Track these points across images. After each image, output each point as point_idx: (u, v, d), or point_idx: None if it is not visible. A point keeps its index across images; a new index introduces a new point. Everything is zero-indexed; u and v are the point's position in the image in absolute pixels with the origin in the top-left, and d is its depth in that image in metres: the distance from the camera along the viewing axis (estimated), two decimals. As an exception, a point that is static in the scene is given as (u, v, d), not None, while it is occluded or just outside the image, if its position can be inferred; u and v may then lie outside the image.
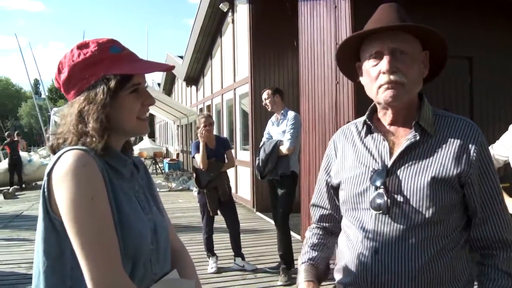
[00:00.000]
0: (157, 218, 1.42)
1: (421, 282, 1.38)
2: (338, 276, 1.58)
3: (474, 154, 1.41)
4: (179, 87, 23.26)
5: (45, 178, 1.22)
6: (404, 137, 1.48)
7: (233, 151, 11.05)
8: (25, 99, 69.90)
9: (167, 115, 20.53)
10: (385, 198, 1.41)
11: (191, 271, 1.54)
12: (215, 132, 13.19)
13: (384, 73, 1.41)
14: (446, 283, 1.42)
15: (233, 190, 10.84)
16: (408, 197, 1.40)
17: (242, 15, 10.48)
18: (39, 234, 1.25)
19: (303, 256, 1.67)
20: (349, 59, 1.57)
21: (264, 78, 9.42)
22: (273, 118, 5.65)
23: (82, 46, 1.33)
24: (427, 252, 1.39)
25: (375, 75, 1.45)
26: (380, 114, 1.55)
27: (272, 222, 6.24)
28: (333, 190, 1.65)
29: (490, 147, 2.75)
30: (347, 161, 1.57)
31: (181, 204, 11.04)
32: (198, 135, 5.55)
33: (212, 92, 14.51)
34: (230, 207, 5.72)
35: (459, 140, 1.43)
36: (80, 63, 1.30)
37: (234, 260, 5.66)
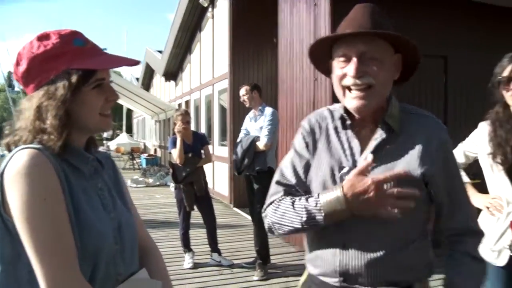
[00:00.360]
0: (123, 216, 1.37)
1: (388, 271, 1.43)
2: (309, 266, 1.60)
3: (438, 151, 1.46)
4: (157, 82, 23.14)
5: None
6: (373, 135, 1.50)
7: (211, 146, 11.04)
8: (-2, 92, 68.61)
9: (145, 110, 20.41)
10: None
11: (161, 269, 1.49)
12: (193, 127, 13.19)
13: (350, 76, 1.43)
14: (412, 272, 1.46)
15: (210, 186, 10.84)
16: None
17: (222, 10, 10.46)
18: None
19: (305, 200, 1.48)
20: (324, 56, 1.57)
21: (243, 74, 9.42)
22: (251, 114, 5.67)
23: (43, 37, 1.26)
24: (393, 244, 1.43)
25: (340, 75, 1.46)
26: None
27: (249, 217, 6.27)
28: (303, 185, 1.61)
29: (460, 144, 2.82)
30: (321, 157, 1.56)
31: (158, 200, 10.98)
32: (176, 130, 5.54)
33: (190, 88, 14.46)
34: (206, 203, 5.73)
35: (423, 138, 1.46)
36: (40, 56, 1.23)
37: (211, 256, 5.68)
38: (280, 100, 6.69)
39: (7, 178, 1.14)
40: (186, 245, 5.68)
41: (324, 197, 1.41)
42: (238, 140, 5.58)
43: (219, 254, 5.67)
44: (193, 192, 5.59)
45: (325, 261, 1.50)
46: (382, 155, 1.46)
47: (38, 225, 1.12)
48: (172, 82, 18.02)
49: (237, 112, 9.21)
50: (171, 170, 5.73)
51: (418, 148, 1.45)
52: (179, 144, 5.49)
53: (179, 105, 16.80)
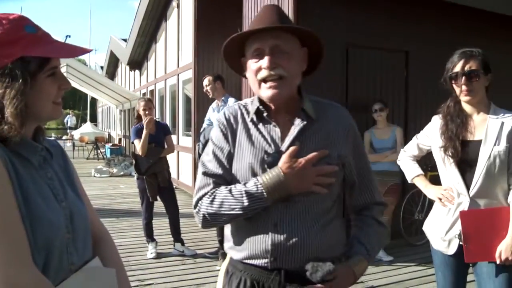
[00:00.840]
0: (74, 205, 1.35)
1: (314, 249, 1.55)
2: (232, 252, 1.67)
3: (348, 135, 1.65)
4: (122, 71, 22.78)
5: None
6: (292, 124, 1.61)
7: (175, 136, 11.01)
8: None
9: (110, 99, 20.09)
10: None
11: (114, 257, 1.49)
12: (158, 117, 13.03)
13: (264, 68, 1.54)
14: (332, 248, 1.60)
15: (175, 176, 10.82)
16: None
17: (187, 0, 10.38)
18: None
19: (243, 186, 1.56)
20: (236, 54, 1.68)
21: (208, 65, 9.38)
22: (214, 104, 5.69)
23: None
24: (318, 223, 1.57)
25: (255, 69, 1.57)
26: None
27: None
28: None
29: (415, 137, 2.91)
30: (243, 147, 1.63)
31: (122, 190, 10.92)
32: (144, 123, 5.44)
33: (155, 77, 14.31)
34: (169, 193, 5.73)
35: (336, 124, 1.64)
36: None
37: (174, 246, 5.71)
38: (244, 90, 6.72)
39: None
40: (149, 235, 5.68)
41: (265, 179, 1.52)
42: (201, 130, 5.59)
43: (182, 244, 5.71)
44: (157, 183, 5.57)
45: (254, 243, 1.58)
46: (303, 139, 1.58)
47: None
48: (137, 71, 17.79)
49: (201, 102, 9.17)
50: (134, 161, 5.68)
51: (333, 133, 1.62)
52: (145, 135, 5.42)
53: (143, 94, 16.61)
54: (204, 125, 5.64)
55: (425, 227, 2.78)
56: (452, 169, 2.50)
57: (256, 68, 1.57)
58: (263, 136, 1.63)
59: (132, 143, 5.81)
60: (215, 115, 5.59)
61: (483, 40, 5.23)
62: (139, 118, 5.66)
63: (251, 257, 1.60)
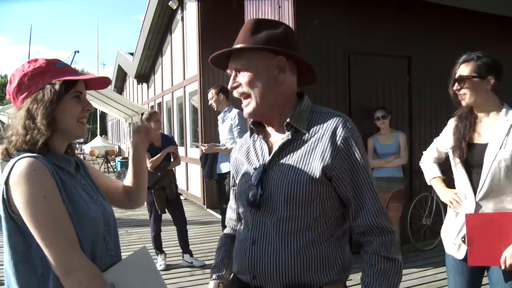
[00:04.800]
0: (104, 204, 1.66)
1: (293, 270, 1.48)
2: (234, 264, 1.72)
3: (340, 147, 1.49)
4: (130, 85, 22.94)
5: (3, 186, 1.42)
6: (280, 137, 1.61)
7: (183, 148, 11.07)
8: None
9: (119, 113, 20.21)
10: (257, 194, 1.54)
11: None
12: (165, 129, 13.04)
13: (231, 89, 1.62)
14: (319, 271, 1.50)
15: (184, 187, 10.87)
16: (275, 193, 1.53)
17: (191, 13, 10.47)
18: (4, 234, 1.45)
19: None
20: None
21: (213, 76, 9.46)
22: (220, 115, 5.74)
23: (33, 60, 1.57)
24: (297, 243, 1.49)
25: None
26: None
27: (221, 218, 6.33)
28: None
29: (434, 139, 2.90)
30: (243, 162, 1.72)
31: (132, 203, 10.91)
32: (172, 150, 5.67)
33: (162, 90, 14.41)
34: (177, 206, 5.78)
35: (326, 135, 1.51)
36: (29, 73, 1.53)
37: (182, 257, 5.74)
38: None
39: (11, 184, 1.40)
40: (158, 247, 5.72)
41: None
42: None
43: (191, 255, 5.74)
44: (164, 196, 5.62)
45: (240, 258, 1.61)
46: (285, 153, 1.56)
47: (41, 219, 1.39)
48: (145, 84, 17.93)
49: (208, 113, 9.26)
50: None
51: (320, 145, 1.51)
52: (160, 155, 5.53)
53: (151, 107, 16.72)
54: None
55: (441, 231, 2.76)
56: (460, 172, 2.50)
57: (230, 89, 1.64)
58: (255, 150, 1.67)
59: None
60: (221, 126, 5.64)
61: (488, 42, 5.24)
62: None
63: (239, 272, 1.64)
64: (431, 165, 2.93)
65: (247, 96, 1.59)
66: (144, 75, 17.01)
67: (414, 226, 5.94)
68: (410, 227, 5.87)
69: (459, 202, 2.52)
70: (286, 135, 1.57)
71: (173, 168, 5.84)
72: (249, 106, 1.59)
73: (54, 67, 1.55)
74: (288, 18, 5.58)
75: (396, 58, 6.18)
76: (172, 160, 5.78)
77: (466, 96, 2.45)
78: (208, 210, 9.42)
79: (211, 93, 5.58)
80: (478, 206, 2.42)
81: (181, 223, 5.76)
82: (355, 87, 5.86)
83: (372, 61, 5.97)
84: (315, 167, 1.49)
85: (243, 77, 1.57)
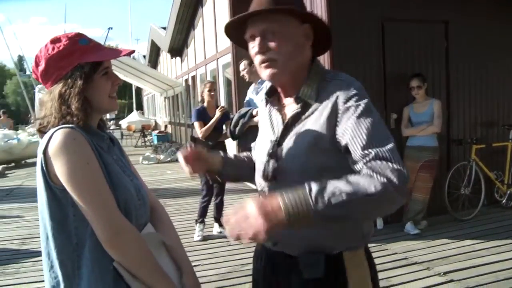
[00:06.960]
0: (137, 180, 1.68)
1: (313, 236, 1.47)
2: None
3: (340, 110, 1.43)
4: (164, 59, 23.11)
5: (41, 156, 1.43)
6: (292, 108, 1.57)
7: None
8: (10, 76, 68.29)
9: (154, 87, 20.47)
10: (271, 167, 1.54)
11: (165, 221, 1.81)
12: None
13: (256, 53, 1.52)
14: (339, 237, 1.50)
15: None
16: (289, 165, 1.51)
17: (221, -16, 10.39)
18: (43, 203, 1.48)
19: None
20: (243, 38, 1.62)
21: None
22: (251, 88, 5.69)
23: (55, 40, 1.54)
24: None
25: (253, 54, 1.55)
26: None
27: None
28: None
29: None
30: (261, 131, 1.74)
31: (169, 176, 11.19)
32: (218, 110, 5.68)
33: (196, 63, 14.47)
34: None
35: (330, 104, 1.46)
36: (55, 55, 1.51)
37: (218, 227, 5.81)
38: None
39: (51, 154, 1.41)
40: (202, 215, 5.77)
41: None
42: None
43: (220, 225, 5.77)
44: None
45: None
46: (296, 125, 1.53)
47: (86, 185, 1.41)
48: (178, 58, 18.02)
49: (241, 85, 9.22)
50: (192, 144, 5.72)
51: (326, 114, 1.45)
52: (213, 121, 5.61)
53: (185, 80, 16.83)
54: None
55: None
56: None
57: (253, 54, 1.55)
58: (270, 121, 1.66)
59: (192, 124, 5.90)
60: (255, 97, 5.60)
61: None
62: (203, 101, 5.83)
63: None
64: None
65: (272, 61, 1.50)
66: (177, 49, 17.09)
67: (452, 195, 5.84)
68: (448, 197, 5.77)
69: None
70: (296, 108, 1.54)
71: (224, 141, 5.86)
72: (274, 70, 1.50)
73: (78, 46, 1.53)
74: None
75: (433, 23, 5.99)
76: (223, 132, 5.83)
77: None
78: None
79: (243, 64, 5.53)
80: None
81: (220, 194, 5.83)
82: (389, 55, 5.72)
83: (408, 28, 5.80)
84: (324, 137, 1.44)
85: (274, 41, 1.48)
